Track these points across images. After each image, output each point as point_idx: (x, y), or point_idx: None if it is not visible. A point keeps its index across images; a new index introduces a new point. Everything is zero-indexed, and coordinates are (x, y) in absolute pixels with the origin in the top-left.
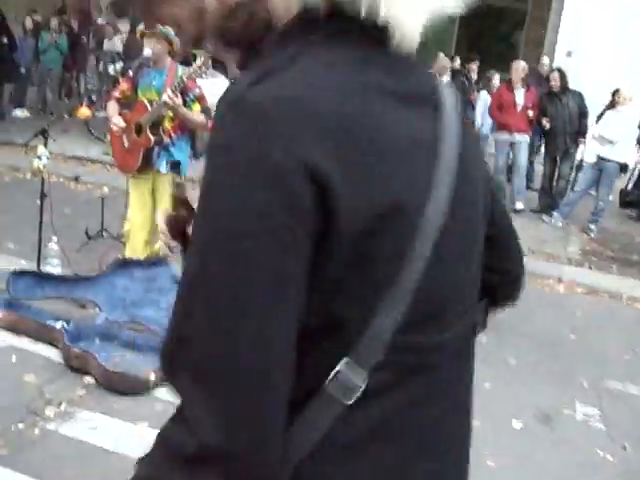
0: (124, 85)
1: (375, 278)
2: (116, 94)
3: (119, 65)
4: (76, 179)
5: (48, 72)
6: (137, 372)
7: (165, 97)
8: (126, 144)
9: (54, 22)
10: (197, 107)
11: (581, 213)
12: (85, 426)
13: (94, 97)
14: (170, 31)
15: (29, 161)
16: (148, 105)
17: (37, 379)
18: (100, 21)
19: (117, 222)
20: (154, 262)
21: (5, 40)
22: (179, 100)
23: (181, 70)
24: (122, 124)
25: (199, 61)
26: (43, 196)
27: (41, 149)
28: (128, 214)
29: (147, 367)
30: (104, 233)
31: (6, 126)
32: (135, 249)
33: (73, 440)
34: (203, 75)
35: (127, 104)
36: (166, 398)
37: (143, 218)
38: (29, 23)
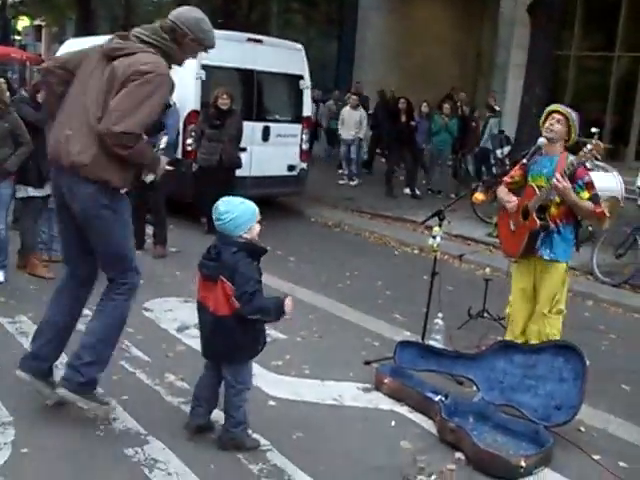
0: (517, 172)
1: None
2: (507, 179)
3: (507, 149)
4: (460, 257)
5: (439, 153)
6: (508, 456)
7: (554, 180)
8: (512, 227)
9: (446, 106)
10: (586, 194)
11: None
12: None
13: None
14: (572, 114)
15: (417, 237)
16: (536, 189)
17: (412, 446)
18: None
19: (497, 303)
20: (535, 348)
21: (413, 123)
22: (568, 184)
23: (571, 158)
24: (514, 201)
25: (590, 146)
26: (434, 273)
27: (437, 229)
28: (510, 297)
29: (518, 453)
30: (485, 314)
31: (398, 203)
32: (515, 333)
33: None
34: (593, 160)
35: (516, 190)
36: None
37: (523, 303)
38: (424, 108)
